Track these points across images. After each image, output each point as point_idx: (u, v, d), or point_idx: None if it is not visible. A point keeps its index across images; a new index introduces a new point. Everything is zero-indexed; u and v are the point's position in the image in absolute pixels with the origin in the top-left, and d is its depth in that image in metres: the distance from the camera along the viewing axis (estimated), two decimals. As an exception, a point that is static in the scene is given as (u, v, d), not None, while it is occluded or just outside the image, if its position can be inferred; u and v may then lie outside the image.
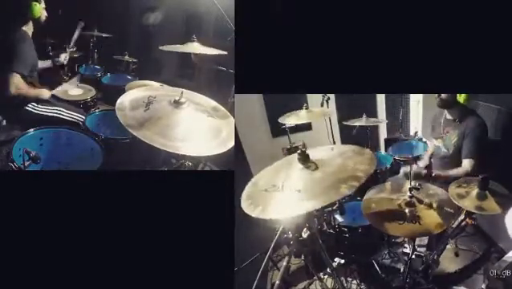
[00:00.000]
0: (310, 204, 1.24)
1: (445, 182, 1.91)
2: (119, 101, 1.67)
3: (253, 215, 1.29)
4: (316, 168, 1.41)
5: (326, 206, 1.87)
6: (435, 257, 1.85)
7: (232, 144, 1.63)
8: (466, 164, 2.17)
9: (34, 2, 2.33)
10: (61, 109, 2.53)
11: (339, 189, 1.27)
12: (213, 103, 1.90)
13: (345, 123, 3.14)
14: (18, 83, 2.28)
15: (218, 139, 1.64)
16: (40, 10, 2.39)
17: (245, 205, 1.36)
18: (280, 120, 2.79)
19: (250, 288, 1.40)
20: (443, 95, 2.24)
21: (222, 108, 1.88)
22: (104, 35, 3.79)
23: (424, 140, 3.33)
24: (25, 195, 1.51)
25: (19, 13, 2.34)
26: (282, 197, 1.32)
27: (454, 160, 2.27)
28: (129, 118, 1.57)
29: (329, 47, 1.82)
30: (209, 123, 1.72)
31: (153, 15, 4.12)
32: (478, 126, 2.19)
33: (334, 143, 3.08)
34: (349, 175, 1.33)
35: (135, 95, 1.76)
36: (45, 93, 2.51)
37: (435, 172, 2.18)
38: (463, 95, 2.16)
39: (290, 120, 2.74)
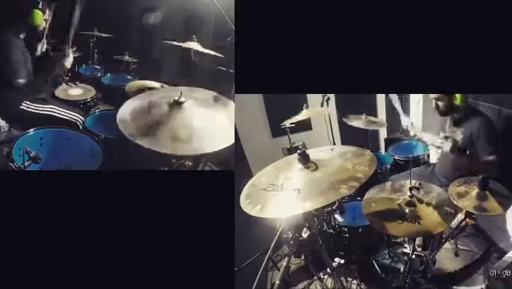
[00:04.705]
0: (310, 204, 1.24)
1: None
2: (119, 114, 1.67)
3: (252, 214, 1.29)
4: (316, 168, 1.41)
5: (325, 206, 1.87)
6: (434, 257, 1.85)
7: (232, 140, 1.63)
8: (486, 159, 2.15)
9: (37, 10, 2.29)
10: (55, 107, 2.51)
11: (338, 190, 1.27)
12: (213, 93, 1.90)
13: (344, 119, 3.14)
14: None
15: (220, 133, 1.64)
16: (41, 19, 2.36)
17: (244, 204, 1.36)
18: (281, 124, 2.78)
19: (250, 288, 1.39)
20: (440, 105, 2.25)
21: (223, 97, 1.89)
22: (104, 35, 3.79)
23: (424, 139, 3.33)
24: (25, 195, 1.51)
25: (18, 19, 2.32)
26: (281, 197, 1.32)
27: (461, 158, 2.27)
28: (131, 128, 1.57)
29: (329, 47, 1.82)
30: (210, 117, 1.72)
31: (153, 15, 4.12)
32: (487, 123, 2.19)
33: (334, 143, 3.08)
34: (349, 176, 1.33)
35: (134, 104, 1.76)
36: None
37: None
38: (458, 97, 2.14)
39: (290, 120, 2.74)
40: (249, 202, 1.36)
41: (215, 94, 1.89)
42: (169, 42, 2.43)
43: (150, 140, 1.51)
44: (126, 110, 1.70)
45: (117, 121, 1.60)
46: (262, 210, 1.29)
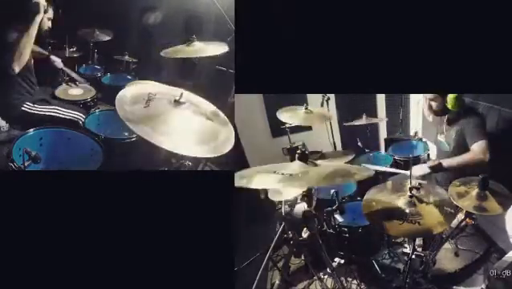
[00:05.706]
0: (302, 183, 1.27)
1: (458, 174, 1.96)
2: (119, 95, 1.66)
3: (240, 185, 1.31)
4: (315, 166, 1.42)
5: (325, 206, 1.87)
6: (434, 257, 1.85)
7: (229, 148, 1.62)
8: (474, 148, 2.15)
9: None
10: (58, 108, 2.51)
11: (334, 179, 1.32)
12: (213, 107, 1.90)
13: (346, 124, 3.14)
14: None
15: (215, 142, 1.64)
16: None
17: (238, 181, 1.38)
18: (278, 114, 2.75)
19: (250, 288, 1.39)
20: (434, 106, 2.30)
21: (222, 115, 1.88)
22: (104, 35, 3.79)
23: (424, 139, 3.34)
24: (25, 195, 1.51)
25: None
26: (275, 177, 1.34)
27: (456, 155, 2.29)
28: (128, 112, 1.56)
29: (329, 47, 1.82)
30: (207, 126, 1.72)
31: (153, 15, 4.11)
32: (475, 116, 2.23)
33: (334, 143, 3.08)
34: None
35: (136, 90, 1.76)
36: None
37: (444, 162, 2.19)
38: (451, 102, 2.17)
39: (288, 116, 2.71)
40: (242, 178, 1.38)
41: (214, 109, 1.89)
42: (168, 50, 2.41)
43: (143, 128, 1.50)
44: (127, 93, 1.70)
45: (116, 102, 1.60)
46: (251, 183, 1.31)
